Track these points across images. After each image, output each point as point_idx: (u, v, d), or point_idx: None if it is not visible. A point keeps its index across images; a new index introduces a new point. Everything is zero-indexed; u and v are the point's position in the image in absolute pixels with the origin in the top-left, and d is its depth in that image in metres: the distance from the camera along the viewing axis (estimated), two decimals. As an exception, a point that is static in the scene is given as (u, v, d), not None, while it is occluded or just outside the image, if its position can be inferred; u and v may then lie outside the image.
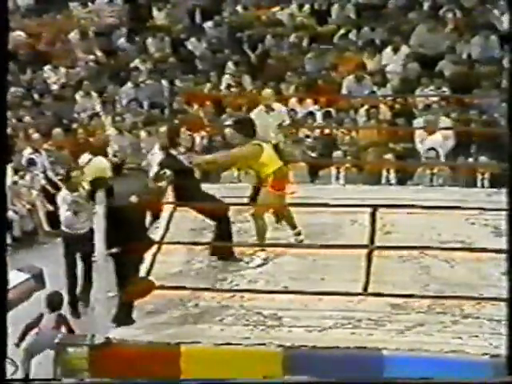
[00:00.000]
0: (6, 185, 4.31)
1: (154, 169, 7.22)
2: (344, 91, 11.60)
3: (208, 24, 13.27)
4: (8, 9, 4.46)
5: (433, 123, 10.17)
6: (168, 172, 6.76)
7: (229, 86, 11.72)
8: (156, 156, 8.07)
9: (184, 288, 6.45)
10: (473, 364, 5.79)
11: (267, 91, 8.05)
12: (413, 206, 7.25)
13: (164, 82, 12.10)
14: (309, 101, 11.19)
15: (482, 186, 9.23)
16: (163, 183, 6.79)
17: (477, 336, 6.01)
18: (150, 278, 6.47)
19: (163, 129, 8.63)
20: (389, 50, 12.02)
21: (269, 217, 7.12)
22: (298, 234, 7.15)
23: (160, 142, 8.20)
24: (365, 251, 6.72)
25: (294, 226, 7.17)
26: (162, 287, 6.28)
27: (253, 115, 7.61)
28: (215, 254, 6.97)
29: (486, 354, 5.81)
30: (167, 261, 6.84)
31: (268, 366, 5.85)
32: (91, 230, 8.36)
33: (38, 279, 6.93)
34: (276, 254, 6.97)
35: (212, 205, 6.92)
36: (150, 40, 13.05)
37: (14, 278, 6.52)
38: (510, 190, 4.60)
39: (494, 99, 10.63)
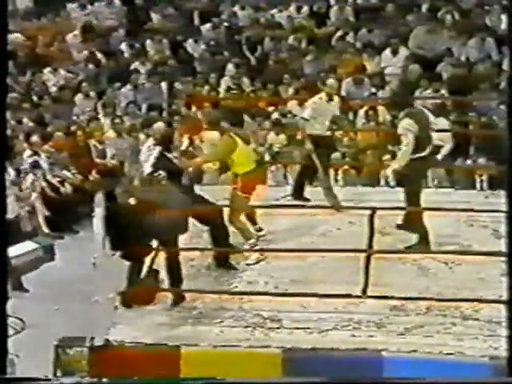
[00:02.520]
0: (5, 185, 4.32)
1: (148, 169, 7.24)
2: (343, 93, 11.61)
3: (206, 26, 13.28)
4: (7, 11, 4.46)
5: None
6: (162, 174, 6.76)
7: (228, 89, 11.73)
8: (152, 153, 8.08)
9: (183, 290, 6.46)
10: (472, 366, 5.80)
11: (331, 81, 8.05)
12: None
13: (163, 85, 12.10)
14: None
15: (481, 188, 9.24)
16: (159, 183, 6.79)
17: (476, 338, 6.03)
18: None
19: (157, 125, 8.63)
20: (388, 52, 12.04)
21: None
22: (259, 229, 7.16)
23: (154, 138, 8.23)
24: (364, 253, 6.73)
25: (255, 222, 7.18)
26: (162, 290, 6.30)
27: (311, 102, 7.74)
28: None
29: (485, 356, 5.83)
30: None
31: (268, 367, 5.86)
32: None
33: (48, 250, 6.94)
34: (275, 256, 6.98)
35: (204, 208, 6.88)
36: (148, 42, 13.05)
37: (24, 246, 6.62)
38: (509, 192, 4.61)
39: (492, 101, 10.64)
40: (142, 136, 10.91)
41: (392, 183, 10.00)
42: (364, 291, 6.33)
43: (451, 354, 5.87)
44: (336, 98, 7.95)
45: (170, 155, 7.03)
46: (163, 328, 6.23)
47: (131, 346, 6.04)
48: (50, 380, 5.57)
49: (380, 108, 10.69)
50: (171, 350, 5.98)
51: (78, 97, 12.03)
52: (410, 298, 6.32)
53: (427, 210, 7.42)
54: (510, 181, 4.62)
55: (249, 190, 6.95)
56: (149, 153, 7.98)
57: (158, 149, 8.15)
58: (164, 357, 5.97)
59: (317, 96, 7.89)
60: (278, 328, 6.15)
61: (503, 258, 6.69)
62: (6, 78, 4.57)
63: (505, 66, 11.60)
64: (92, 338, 6.05)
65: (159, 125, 8.45)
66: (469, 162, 9.86)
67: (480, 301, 6.31)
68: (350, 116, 10.99)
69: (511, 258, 4.90)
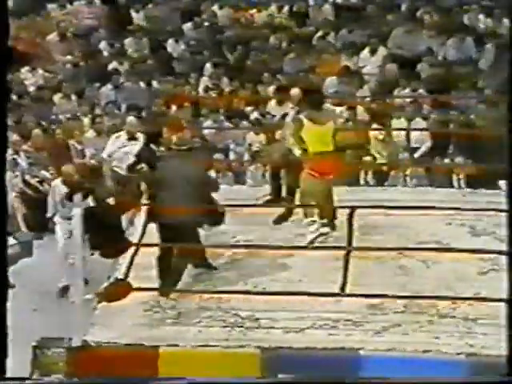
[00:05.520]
0: (5, 185, 4.31)
1: (130, 159, 7.19)
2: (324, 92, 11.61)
3: (187, 25, 13.27)
4: (8, 10, 4.43)
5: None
6: (145, 168, 6.73)
7: (207, 88, 11.74)
8: (127, 148, 8.07)
9: (159, 289, 6.46)
10: (449, 363, 5.84)
11: None
12: (390, 207, 7.31)
13: (142, 84, 12.08)
14: (288, 103, 11.18)
15: (459, 186, 9.31)
16: (136, 175, 6.77)
17: (452, 335, 6.06)
18: (128, 280, 6.48)
19: (130, 118, 8.62)
20: (366, 51, 12.09)
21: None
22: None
23: (126, 132, 8.20)
24: (342, 252, 6.77)
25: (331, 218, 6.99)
26: (140, 289, 6.29)
27: None
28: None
29: (461, 353, 5.87)
30: (144, 263, 6.83)
31: (246, 367, 5.87)
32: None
33: (25, 247, 6.94)
34: (253, 255, 6.99)
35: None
36: (129, 41, 13.03)
37: None
38: (509, 192, 4.66)
39: (470, 100, 10.71)
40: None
41: (372, 182, 10.07)
42: (342, 289, 6.36)
43: (428, 351, 5.90)
44: None
45: (155, 148, 7.00)
46: (142, 328, 6.23)
47: (109, 347, 6.04)
48: (49, 380, 5.59)
49: (359, 107, 10.72)
50: (149, 350, 5.98)
51: (58, 96, 11.99)
52: (389, 296, 6.33)
53: (406, 209, 7.46)
54: (509, 181, 4.67)
55: (320, 171, 6.83)
56: (124, 149, 7.99)
57: (142, 141, 8.16)
58: (142, 357, 5.97)
59: None
60: (256, 327, 6.16)
61: (480, 256, 6.79)
62: (6, 76, 4.55)
63: (482, 65, 11.71)
64: (70, 339, 6.04)
65: (131, 119, 8.45)
66: (447, 160, 9.92)
67: (458, 298, 6.34)
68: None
69: (511, 258, 4.96)
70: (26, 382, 5.33)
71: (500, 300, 5.92)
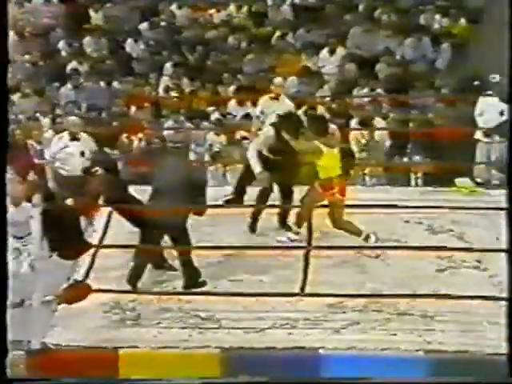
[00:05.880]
0: (6, 185, 4.27)
1: (80, 161, 7.12)
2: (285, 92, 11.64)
3: (145, 25, 13.22)
4: (8, 11, 4.37)
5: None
6: (100, 171, 6.71)
7: (167, 88, 11.71)
8: (70, 148, 8.02)
9: (121, 291, 6.45)
10: (407, 361, 5.91)
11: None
12: (349, 206, 7.37)
13: (103, 84, 12.01)
14: (248, 103, 11.20)
15: (416, 185, 9.41)
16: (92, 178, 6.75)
17: (411, 332, 6.14)
18: (87, 281, 6.46)
19: (72, 118, 8.56)
20: (325, 51, 12.15)
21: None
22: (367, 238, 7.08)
23: (68, 132, 8.16)
24: (302, 252, 6.82)
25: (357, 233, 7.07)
26: (99, 290, 6.27)
27: None
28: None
29: (420, 350, 5.94)
30: (105, 264, 6.80)
31: (206, 367, 5.88)
32: None
33: None
34: (214, 256, 6.98)
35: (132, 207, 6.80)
36: (87, 41, 12.94)
37: None
38: (509, 191, 4.74)
39: (428, 99, 10.82)
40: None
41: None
42: (302, 289, 6.40)
43: (387, 349, 5.96)
44: None
45: (109, 151, 6.98)
46: (101, 330, 6.21)
47: (69, 349, 6.01)
48: (49, 380, 5.54)
49: (320, 107, 10.77)
50: (109, 353, 5.96)
51: (17, 96, 11.86)
52: (347, 296, 6.39)
53: (365, 208, 7.53)
54: (509, 180, 4.75)
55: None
56: (67, 150, 7.94)
57: (87, 141, 8.13)
58: (102, 359, 5.96)
59: None
60: (216, 328, 6.17)
61: (438, 254, 6.89)
62: (6, 79, 4.51)
63: (439, 64, 11.85)
64: (28, 342, 6.00)
65: (73, 119, 8.38)
66: (405, 159, 10.02)
67: (415, 296, 6.41)
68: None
69: (511, 257, 5.03)
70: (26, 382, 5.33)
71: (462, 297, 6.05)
